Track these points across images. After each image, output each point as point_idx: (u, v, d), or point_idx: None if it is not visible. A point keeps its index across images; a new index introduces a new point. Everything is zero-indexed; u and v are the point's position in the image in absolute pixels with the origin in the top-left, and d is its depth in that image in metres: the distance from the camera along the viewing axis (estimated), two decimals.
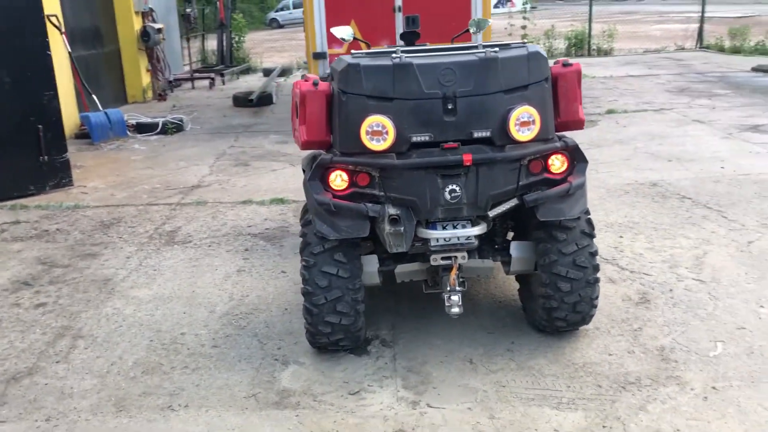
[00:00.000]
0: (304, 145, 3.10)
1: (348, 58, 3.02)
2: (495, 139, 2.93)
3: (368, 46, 4.28)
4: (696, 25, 18.01)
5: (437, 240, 3.09)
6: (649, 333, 3.49)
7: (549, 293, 3.22)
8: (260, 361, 3.39)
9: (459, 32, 4.13)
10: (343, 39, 4.11)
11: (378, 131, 2.88)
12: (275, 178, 6.92)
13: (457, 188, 2.94)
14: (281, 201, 6.07)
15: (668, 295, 3.89)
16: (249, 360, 3.41)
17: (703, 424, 2.76)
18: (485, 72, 2.90)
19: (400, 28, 9.05)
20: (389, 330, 3.63)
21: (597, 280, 3.23)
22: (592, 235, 3.23)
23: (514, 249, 3.33)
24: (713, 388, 2.99)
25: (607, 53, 16.69)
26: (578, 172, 3.10)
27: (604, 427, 2.77)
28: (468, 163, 2.89)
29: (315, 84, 3.01)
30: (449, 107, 2.90)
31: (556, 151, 3.03)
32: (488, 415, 2.89)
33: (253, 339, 3.62)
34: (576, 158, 3.09)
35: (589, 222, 3.24)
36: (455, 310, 3.09)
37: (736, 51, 16.66)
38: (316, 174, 3.04)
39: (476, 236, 3.09)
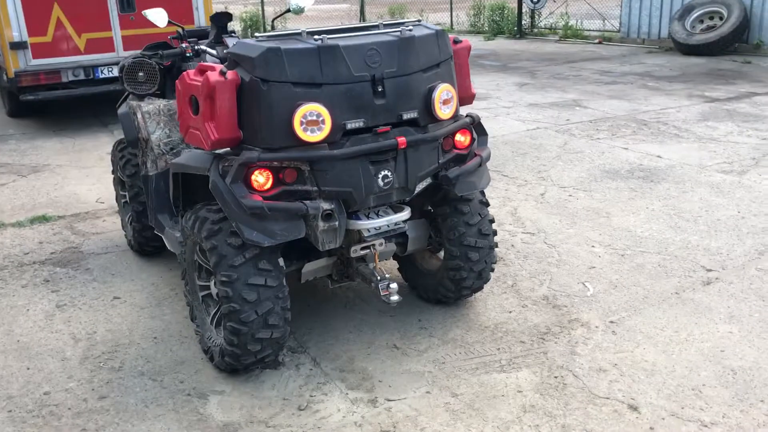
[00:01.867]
0: (214, 145, 2.70)
1: (261, 43, 2.70)
2: (420, 120, 2.89)
3: (182, 30, 3.86)
4: (357, 7, 19.36)
5: (369, 230, 2.97)
6: (525, 286, 3.79)
7: (459, 264, 3.30)
8: (171, 401, 2.91)
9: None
10: (156, 23, 3.67)
11: (314, 121, 2.64)
12: (13, 194, 5.86)
13: (389, 173, 2.84)
14: (45, 219, 5.18)
15: (513, 250, 4.25)
16: (158, 402, 2.91)
17: (629, 354, 3.12)
18: (405, 51, 2.83)
19: (114, 10, 8.23)
20: (288, 335, 3.37)
21: (496, 245, 3.41)
22: (487, 203, 3.38)
23: (411, 229, 3.33)
24: (611, 322, 3.39)
25: None
26: (481, 145, 3.21)
27: (555, 377, 2.97)
28: (402, 146, 2.81)
29: (223, 73, 2.63)
30: (379, 89, 2.77)
31: (464, 127, 3.10)
32: (450, 393, 2.89)
33: (142, 378, 3.08)
34: (478, 132, 3.20)
35: (482, 192, 3.38)
36: (395, 297, 3.01)
37: None
38: (239, 175, 2.68)
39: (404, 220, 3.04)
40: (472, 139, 3.17)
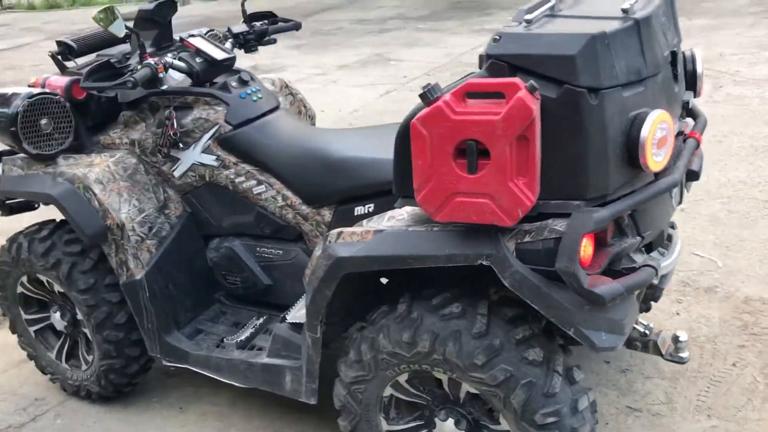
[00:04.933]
0: (519, 215, 1.56)
1: (573, 29, 1.60)
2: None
3: (137, 35, 2.41)
4: None
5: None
6: None
7: None
8: None
9: None
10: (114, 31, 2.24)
11: (663, 137, 1.66)
12: None
13: (677, 189, 2.00)
14: None
15: None
16: None
17: None
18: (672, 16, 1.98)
19: None
20: None
21: None
22: None
23: None
24: None
25: None
26: None
27: None
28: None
29: (532, 90, 1.50)
30: (675, 73, 1.89)
31: None
32: None
33: None
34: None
35: None
36: (686, 354, 2.18)
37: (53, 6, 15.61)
38: (572, 252, 1.58)
39: None
40: None
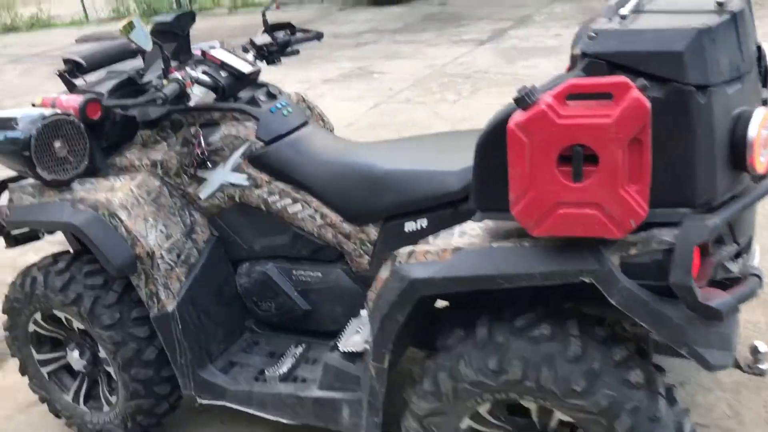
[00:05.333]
0: (632, 226, 1.43)
1: (677, 23, 1.48)
2: None
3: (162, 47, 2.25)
4: None
5: None
6: None
7: None
8: None
9: None
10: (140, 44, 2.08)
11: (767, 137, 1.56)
12: None
13: None
14: None
15: None
16: None
17: None
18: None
19: None
20: None
21: None
22: None
23: None
24: None
25: None
26: None
27: None
28: None
29: (644, 89, 1.37)
30: (759, 69, 1.79)
31: None
32: None
33: None
34: None
35: None
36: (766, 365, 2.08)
37: (11, 29, 15.17)
38: (688, 265, 1.46)
39: None
40: None
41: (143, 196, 2.29)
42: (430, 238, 1.81)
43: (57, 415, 2.62)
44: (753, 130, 1.49)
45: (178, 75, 2.16)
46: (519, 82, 6.25)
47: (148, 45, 2.08)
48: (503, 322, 1.73)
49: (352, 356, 2.09)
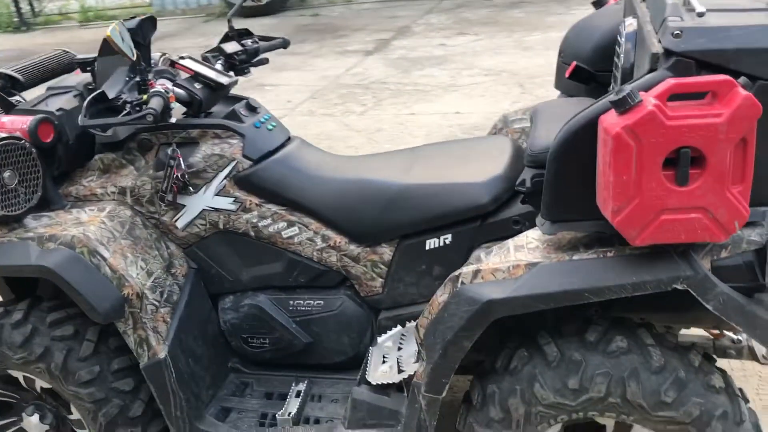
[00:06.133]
0: (736, 227, 1.38)
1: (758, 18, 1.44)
2: None
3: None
4: None
5: None
6: None
7: None
8: None
9: None
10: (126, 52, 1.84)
11: None
12: None
13: None
14: None
15: None
16: None
17: None
18: None
19: None
20: None
21: None
22: None
23: None
24: None
25: None
26: None
27: None
28: None
29: (746, 87, 1.33)
30: None
31: None
32: None
33: None
34: None
35: None
36: None
37: None
38: None
39: None
40: None
41: (117, 228, 1.99)
42: (482, 255, 1.69)
43: None
44: None
45: (159, 88, 1.90)
46: (421, 92, 6.25)
47: (132, 54, 1.80)
48: (569, 337, 1.64)
49: (385, 388, 1.91)
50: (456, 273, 1.64)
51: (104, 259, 1.88)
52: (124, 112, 1.87)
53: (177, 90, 2.01)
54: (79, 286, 1.83)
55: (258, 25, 10.32)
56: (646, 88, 1.36)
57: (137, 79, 1.94)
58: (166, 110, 1.90)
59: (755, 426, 1.61)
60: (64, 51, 2.41)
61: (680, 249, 1.47)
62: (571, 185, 1.48)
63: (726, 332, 2.05)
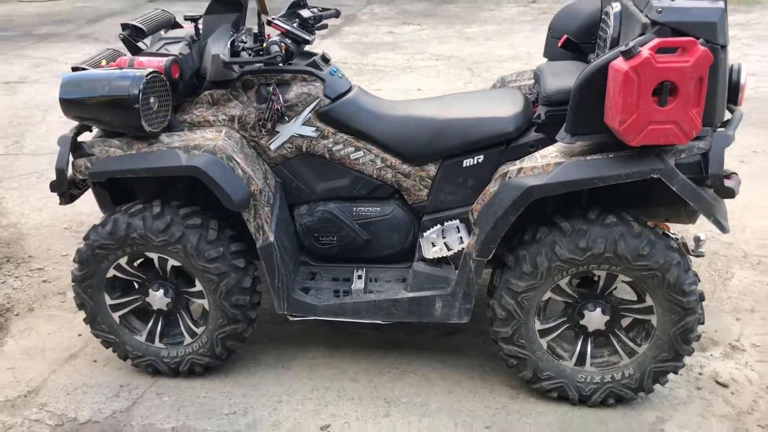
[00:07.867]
0: (692, 136, 2.18)
1: (714, 4, 2.23)
2: None
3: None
4: None
5: None
6: None
7: None
8: None
9: None
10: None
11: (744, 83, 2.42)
12: None
13: None
14: None
15: None
16: None
17: None
18: None
19: None
20: None
21: None
22: None
23: None
24: None
25: None
26: None
27: None
28: None
29: (705, 45, 2.13)
30: None
31: None
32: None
33: None
34: None
35: None
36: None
37: None
38: None
39: None
40: None
41: (234, 145, 2.61)
42: (518, 162, 2.44)
43: (125, 358, 2.80)
44: (743, 77, 2.33)
45: (277, 38, 2.54)
46: (381, 72, 6.98)
47: (266, 9, 2.44)
48: (576, 217, 2.41)
49: (438, 261, 2.64)
50: (503, 171, 2.39)
51: (238, 163, 2.51)
52: (250, 55, 2.50)
53: (286, 41, 2.65)
54: (221, 182, 2.45)
55: (202, 6, 10.70)
56: (641, 45, 2.14)
57: (255, 31, 2.57)
58: (289, 55, 2.55)
59: (694, 273, 2.44)
60: (163, 10, 2.99)
61: (656, 151, 2.26)
62: (588, 109, 2.24)
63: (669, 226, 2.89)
